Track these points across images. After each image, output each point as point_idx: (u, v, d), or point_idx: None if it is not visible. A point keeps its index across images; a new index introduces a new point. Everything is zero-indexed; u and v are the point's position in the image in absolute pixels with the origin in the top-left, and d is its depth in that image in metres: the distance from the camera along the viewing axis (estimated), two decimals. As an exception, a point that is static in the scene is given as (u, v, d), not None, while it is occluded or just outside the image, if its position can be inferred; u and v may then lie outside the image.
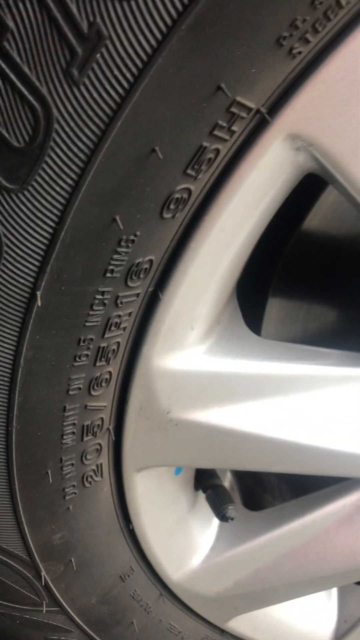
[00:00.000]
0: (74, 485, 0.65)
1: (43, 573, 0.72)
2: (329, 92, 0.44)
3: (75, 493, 0.66)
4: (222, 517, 0.79)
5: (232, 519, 0.79)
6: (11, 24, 0.35)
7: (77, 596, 0.78)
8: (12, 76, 0.37)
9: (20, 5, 0.35)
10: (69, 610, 0.79)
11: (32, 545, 0.68)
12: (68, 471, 0.63)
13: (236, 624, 0.98)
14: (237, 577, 0.87)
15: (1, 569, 0.70)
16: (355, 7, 0.41)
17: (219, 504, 0.80)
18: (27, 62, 0.37)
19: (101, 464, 0.67)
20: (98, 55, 0.37)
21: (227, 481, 1.00)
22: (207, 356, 0.63)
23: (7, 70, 0.37)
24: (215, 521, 0.88)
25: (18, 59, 0.36)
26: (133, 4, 0.36)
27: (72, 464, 0.63)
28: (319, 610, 1.11)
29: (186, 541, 0.85)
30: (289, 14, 0.40)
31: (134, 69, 0.38)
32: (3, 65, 0.36)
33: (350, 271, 0.85)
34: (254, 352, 0.66)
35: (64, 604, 0.77)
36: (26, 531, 0.66)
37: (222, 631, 0.98)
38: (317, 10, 0.40)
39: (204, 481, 0.84)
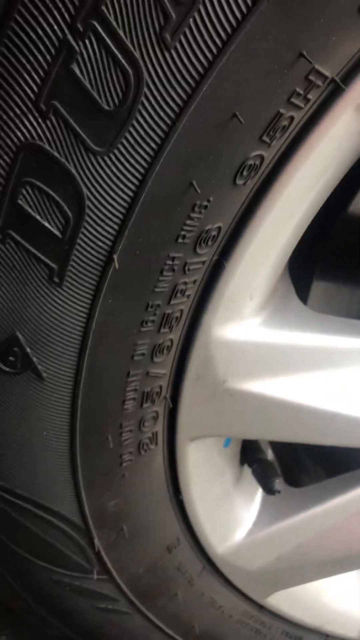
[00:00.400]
0: (130, 452, 0.67)
1: (96, 540, 0.74)
2: None
3: (131, 460, 0.68)
4: (269, 490, 0.80)
5: (278, 491, 0.80)
6: (110, -9, 0.37)
7: (127, 565, 0.80)
8: (108, 40, 0.39)
9: (120, -30, 0.36)
10: (118, 579, 0.81)
11: (87, 511, 0.70)
12: (126, 437, 0.65)
13: (275, 600, 0.99)
14: (279, 553, 0.89)
15: (55, 535, 0.72)
16: None
17: (265, 477, 0.81)
18: (122, 26, 0.38)
19: (157, 432, 0.68)
20: (191, 19, 0.38)
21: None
22: (263, 328, 0.65)
23: (104, 35, 0.38)
24: (258, 497, 0.90)
25: (114, 23, 0.38)
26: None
27: (131, 431, 0.65)
28: (355, 591, 1.12)
29: (231, 515, 0.86)
30: (370, -19, 0.41)
31: (223, 34, 0.39)
32: (100, 30, 0.38)
33: None
34: (308, 325, 0.67)
35: (114, 572, 0.79)
36: (83, 497, 0.68)
37: (261, 607, 1.00)
38: None
39: (250, 456, 0.86)
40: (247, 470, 0.88)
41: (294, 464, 1.06)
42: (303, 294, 0.85)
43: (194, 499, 0.78)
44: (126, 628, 0.89)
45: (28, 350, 0.53)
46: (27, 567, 0.77)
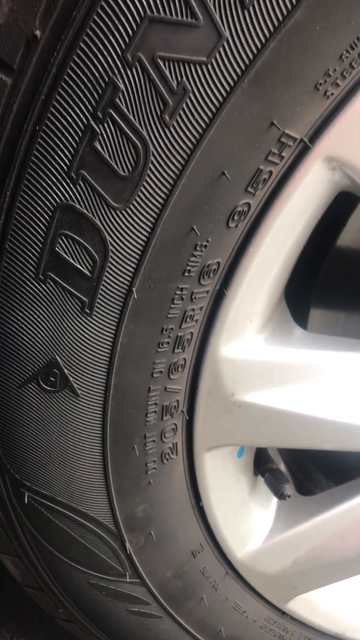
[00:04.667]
0: (154, 461, 0.77)
1: (127, 544, 0.83)
2: (356, 122, 0.57)
3: (155, 468, 0.78)
4: (280, 495, 0.89)
5: (289, 496, 0.89)
6: (121, 85, 0.49)
7: (156, 569, 0.89)
8: (121, 123, 0.51)
9: (129, 71, 0.48)
10: (148, 582, 0.89)
11: (119, 516, 0.80)
12: (150, 447, 0.75)
13: (295, 606, 1.06)
14: (294, 556, 0.97)
15: (91, 539, 0.82)
16: (373, 58, 0.54)
17: (276, 484, 0.90)
18: (132, 112, 0.50)
19: (176, 443, 0.78)
20: (184, 104, 0.50)
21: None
22: (263, 346, 0.75)
23: (118, 119, 0.50)
24: (273, 505, 0.99)
25: (126, 110, 0.50)
26: (209, 66, 0.49)
27: (154, 441, 0.75)
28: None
29: (248, 522, 0.95)
30: (323, 66, 0.53)
31: (209, 113, 0.51)
32: (115, 116, 0.50)
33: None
34: (304, 343, 0.77)
35: (144, 575, 0.88)
36: (114, 502, 0.78)
37: (283, 613, 1.07)
38: (344, 62, 0.53)
39: (262, 466, 0.95)
40: (261, 480, 0.97)
41: (304, 476, 1.15)
42: (303, 320, 0.95)
43: (213, 506, 0.88)
44: (157, 632, 0.97)
45: (65, 371, 0.64)
46: (68, 572, 0.87)
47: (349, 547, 0.96)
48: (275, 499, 1.00)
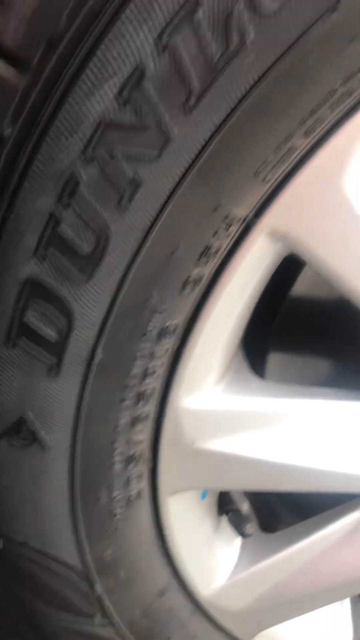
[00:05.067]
0: (121, 507, 0.82)
1: (97, 586, 0.87)
2: (292, 202, 0.64)
3: (122, 514, 0.83)
4: (243, 534, 0.94)
5: (250, 535, 0.94)
6: (83, 177, 0.55)
7: (124, 609, 0.93)
8: (83, 209, 0.57)
9: (89, 165, 0.55)
10: (118, 622, 0.93)
11: (89, 559, 0.84)
12: (117, 494, 0.80)
13: (261, 641, 1.11)
14: (258, 592, 1.02)
15: (63, 583, 0.86)
16: (304, 150, 0.61)
17: (239, 524, 0.96)
18: (93, 199, 0.57)
19: (142, 489, 0.83)
20: (137, 195, 0.57)
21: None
22: (222, 396, 0.81)
23: (80, 206, 0.57)
24: (237, 543, 1.04)
25: (87, 198, 0.56)
26: (160, 160, 0.56)
27: (120, 489, 0.80)
28: (338, 636, 1.24)
29: (213, 560, 1.00)
30: (262, 156, 0.60)
31: (162, 201, 0.58)
32: (77, 204, 0.57)
33: (337, 327, 1.03)
34: (259, 391, 0.84)
35: (114, 615, 0.92)
36: (84, 547, 0.82)
37: (249, 648, 1.11)
38: (280, 153, 0.61)
39: (226, 506, 1.00)
40: (225, 519, 1.02)
41: (268, 513, 1.20)
42: (261, 367, 1.02)
43: (178, 546, 0.92)
44: (128, 671, 1.01)
45: (35, 426, 0.70)
46: (41, 616, 0.90)
47: (310, 582, 1.01)
48: (239, 537, 1.05)
